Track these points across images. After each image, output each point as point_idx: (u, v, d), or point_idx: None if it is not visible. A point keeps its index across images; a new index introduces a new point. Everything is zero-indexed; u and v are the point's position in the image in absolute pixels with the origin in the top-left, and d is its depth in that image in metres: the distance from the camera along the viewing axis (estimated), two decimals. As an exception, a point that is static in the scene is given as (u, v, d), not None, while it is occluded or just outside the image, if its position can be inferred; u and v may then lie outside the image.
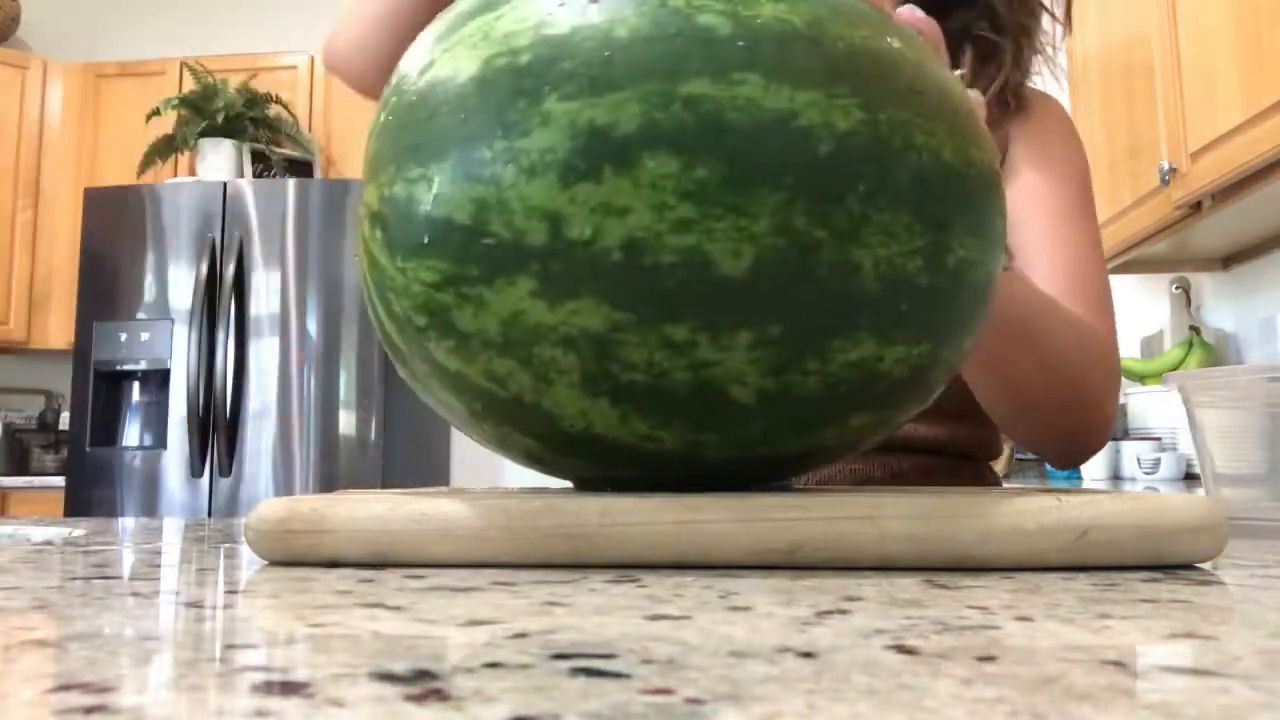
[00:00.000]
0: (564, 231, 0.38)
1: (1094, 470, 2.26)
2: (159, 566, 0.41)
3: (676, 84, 0.38)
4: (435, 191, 0.40)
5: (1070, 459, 0.77)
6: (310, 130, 3.59)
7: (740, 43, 0.39)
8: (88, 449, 3.04)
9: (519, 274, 0.38)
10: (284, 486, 2.92)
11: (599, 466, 0.44)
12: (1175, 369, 2.40)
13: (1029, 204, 0.80)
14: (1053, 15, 0.90)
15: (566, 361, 0.39)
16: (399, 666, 0.21)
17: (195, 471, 2.97)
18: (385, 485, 2.96)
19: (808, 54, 0.40)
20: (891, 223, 0.39)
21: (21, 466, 3.57)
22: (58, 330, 3.59)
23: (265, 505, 0.41)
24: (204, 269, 3.02)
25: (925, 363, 0.42)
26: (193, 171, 3.44)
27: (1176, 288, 2.55)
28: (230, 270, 3.01)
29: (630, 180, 0.37)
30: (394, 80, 0.45)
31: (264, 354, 3.00)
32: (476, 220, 0.39)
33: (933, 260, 0.40)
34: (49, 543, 0.53)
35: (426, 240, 0.40)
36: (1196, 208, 1.89)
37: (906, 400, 0.44)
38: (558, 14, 0.40)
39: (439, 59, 0.42)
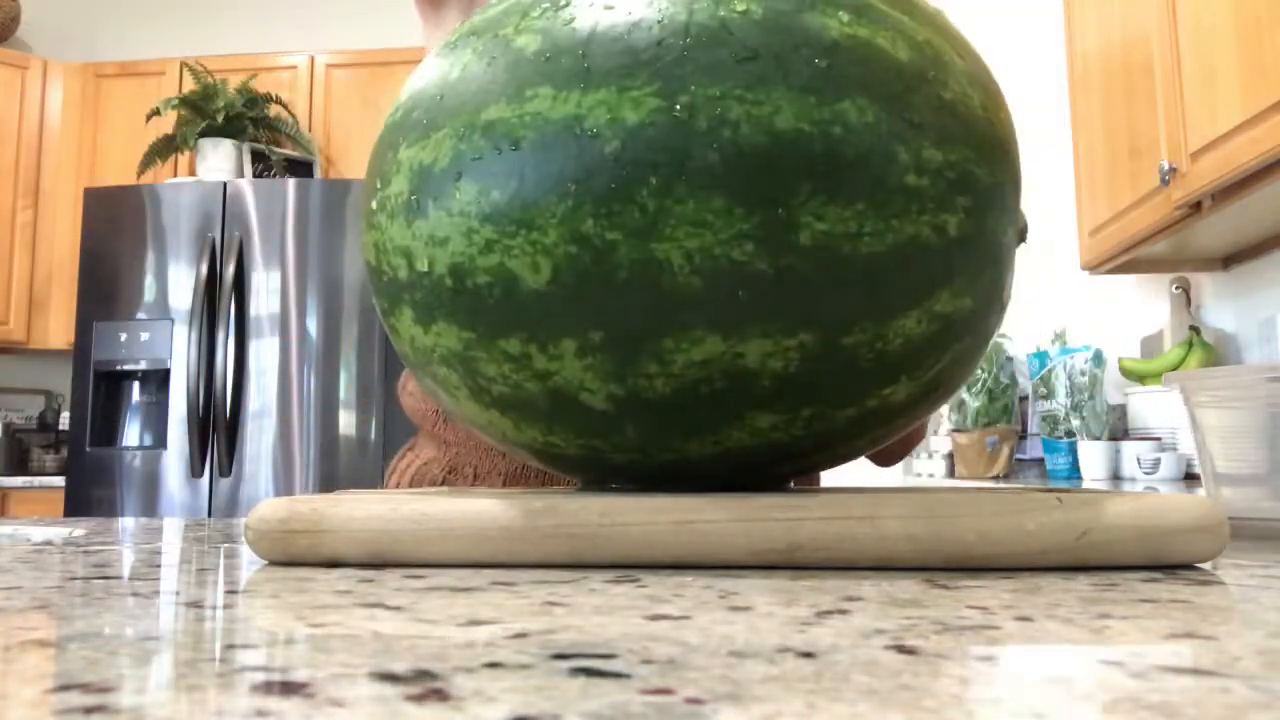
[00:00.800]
0: (414, 265, 0.42)
1: (1094, 470, 2.26)
2: (159, 566, 0.41)
3: (480, 113, 0.40)
4: (362, 240, 0.47)
5: None
6: (310, 130, 3.59)
7: (545, 57, 0.40)
8: (88, 449, 3.04)
9: (402, 304, 0.44)
10: (284, 486, 2.92)
11: (556, 469, 0.46)
12: (1175, 369, 2.40)
13: None
14: None
15: (454, 378, 0.43)
16: (399, 666, 0.21)
17: (195, 471, 2.97)
18: (385, 485, 2.96)
19: (608, 52, 0.39)
20: (700, 211, 0.37)
21: (21, 466, 3.57)
22: (58, 330, 3.59)
23: (265, 505, 0.41)
24: (204, 269, 3.02)
25: (821, 351, 0.39)
26: (193, 171, 3.44)
27: (1176, 288, 2.55)
28: (230, 270, 3.01)
29: (445, 211, 0.41)
30: None
31: (264, 354, 3.00)
32: (376, 261, 0.45)
33: (773, 242, 0.37)
34: (49, 543, 0.53)
35: (371, 279, 0.47)
36: (1196, 208, 1.89)
37: (832, 393, 0.40)
38: (432, 66, 0.45)
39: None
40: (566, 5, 0.41)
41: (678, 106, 0.37)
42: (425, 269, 0.41)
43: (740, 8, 0.39)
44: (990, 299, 0.43)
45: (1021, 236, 0.46)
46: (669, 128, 0.37)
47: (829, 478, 2.83)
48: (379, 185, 0.44)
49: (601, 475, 0.45)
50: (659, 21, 0.39)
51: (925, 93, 0.39)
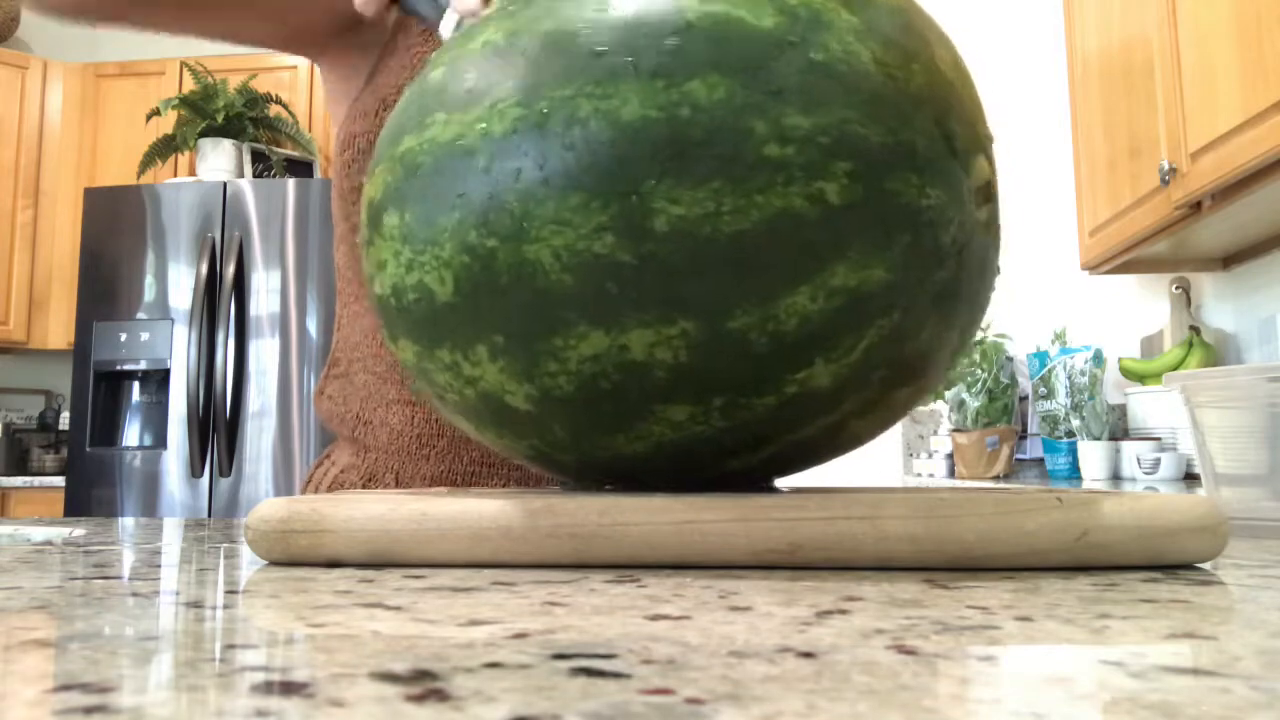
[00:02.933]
0: (375, 289, 0.46)
1: (1094, 470, 2.26)
2: (159, 566, 0.41)
3: (397, 145, 0.44)
4: None
5: None
6: (310, 130, 3.59)
7: (449, 85, 0.43)
8: (88, 449, 3.04)
9: (383, 326, 0.47)
10: (284, 486, 2.92)
11: (539, 469, 0.48)
12: (1175, 369, 2.40)
13: None
14: None
15: (427, 388, 0.47)
16: (399, 666, 0.21)
17: (195, 471, 2.97)
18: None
19: (489, 73, 0.41)
20: (560, 210, 0.38)
21: (21, 466, 3.57)
22: (58, 330, 3.59)
23: (265, 505, 0.41)
24: (204, 269, 3.02)
25: (706, 338, 0.38)
26: (193, 171, 3.44)
27: (1176, 288, 2.55)
28: (230, 270, 3.01)
29: (382, 238, 0.44)
30: None
31: (264, 354, 3.00)
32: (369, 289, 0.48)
33: (632, 232, 0.37)
34: (49, 543, 0.53)
35: None
36: (1196, 208, 1.89)
37: (737, 380, 0.39)
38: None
39: None
40: (474, 35, 0.44)
41: (535, 112, 0.39)
42: (379, 292, 0.46)
43: (598, 5, 0.40)
44: (919, 268, 0.39)
45: (985, 195, 0.42)
46: (528, 134, 0.39)
47: (829, 478, 2.83)
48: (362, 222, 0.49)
49: (560, 472, 0.47)
50: (530, 34, 0.41)
51: (789, 58, 0.38)
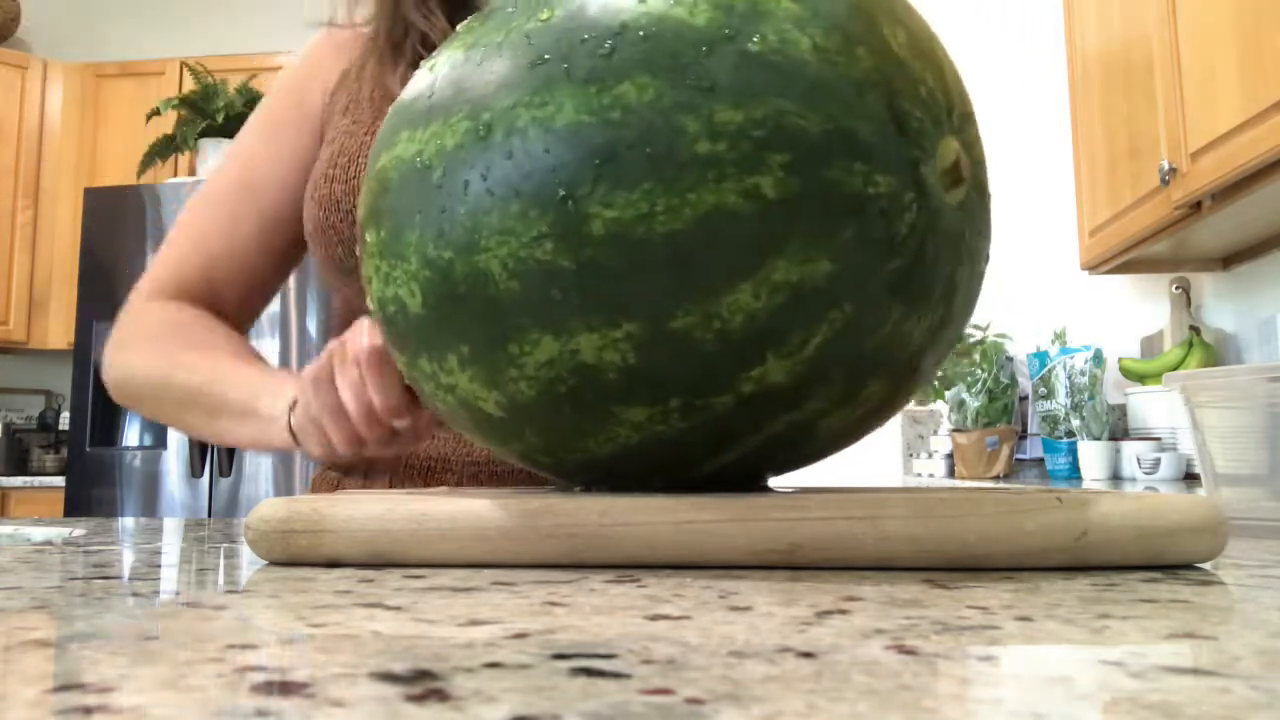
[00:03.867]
0: (369, 302, 0.47)
1: (1094, 470, 2.26)
2: (159, 566, 0.41)
3: (375, 164, 0.45)
4: None
5: None
6: (310, 130, 3.59)
7: (414, 103, 0.44)
8: (88, 449, 3.04)
9: None
10: (284, 486, 2.92)
11: (539, 471, 0.48)
12: (1175, 369, 2.40)
13: None
14: None
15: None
16: (399, 666, 0.21)
17: (195, 471, 2.97)
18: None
19: (444, 89, 0.42)
20: (503, 219, 0.38)
21: (21, 466, 3.57)
22: (58, 330, 3.59)
23: (265, 505, 0.41)
24: (204, 269, 3.02)
25: (652, 338, 0.38)
26: (193, 171, 3.44)
27: (1176, 288, 2.55)
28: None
29: (367, 253, 0.45)
30: None
31: (264, 354, 2.99)
32: None
33: (570, 237, 0.37)
34: (49, 543, 0.53)
35: None
36: (1196, 208, 1.89)
37: (690, 380, 0.39)
38: None
39: None
40: (438, 52, 0.46)
41: (480, 126, 0.40)
42: (372, 306, 0.47)
43: (544, 15, 0.40)
44: (869, 258, 0.38)
45: (955, 177, 0.41)
46: (473, 146, 0.40)
47: (829, 478, 2.82)
48: None
49: (548, 473, 0.47)
50: (484, 47, 0.42)
51: (723, 52, 0.37)
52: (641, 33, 0.38)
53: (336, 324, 0.88)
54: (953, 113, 0.42)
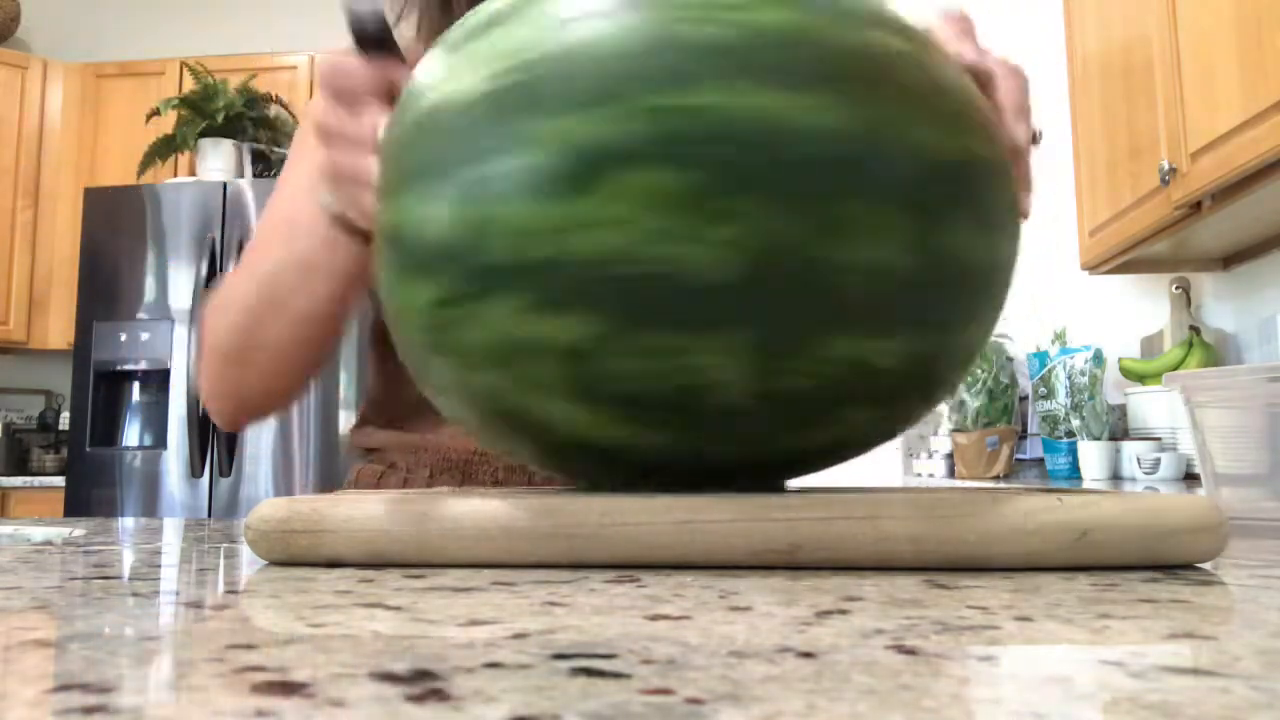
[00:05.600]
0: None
1: (1094, 470, 2.26)
2: (159, 566, 0.41)
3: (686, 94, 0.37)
4: (436, 213, 0.40)
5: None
6: (310, 130, 3.59)
7: (745, 47, 0.38)
8: (88, 449, 3.04)
9: (508, 291, 0.39)
10: (284, 486, 2.92)
11: (599, 470, 0.45)
12: (1175, 369, 2.40)
13: None
14: None
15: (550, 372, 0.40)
16: (399, 666, 0.21)
17: (195, 471, 2.97)
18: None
19: (811, 57, 0.39)
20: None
21: (21, 466, 3.57)
22: (58, 330, 3.59)
23: (265, 505, 0.41)
24: (204, 269, 3.02)
25: (934, 349, 0.42)
26: (193, 171, 3.44)
27: (1176, 288, 2.55)
28: (230, 270, 3.01)
29: (603, 195, 0.37)
30: (405, 91, 0.45)
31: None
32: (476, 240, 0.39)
33: (920, 250, 0.39)
34: (49, 543, 0.52)
35: (431, 260, 0.41)
36: (1196, 208, 1.88)
37: (907, 397, 0.43)
38: (559, 30, 0.40)
39: (447, 74, 0.42)
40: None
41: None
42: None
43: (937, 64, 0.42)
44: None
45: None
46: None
47: (828, 477, 2.82)
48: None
49: (670, 477, 0.45)
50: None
51: None
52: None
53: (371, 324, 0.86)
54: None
